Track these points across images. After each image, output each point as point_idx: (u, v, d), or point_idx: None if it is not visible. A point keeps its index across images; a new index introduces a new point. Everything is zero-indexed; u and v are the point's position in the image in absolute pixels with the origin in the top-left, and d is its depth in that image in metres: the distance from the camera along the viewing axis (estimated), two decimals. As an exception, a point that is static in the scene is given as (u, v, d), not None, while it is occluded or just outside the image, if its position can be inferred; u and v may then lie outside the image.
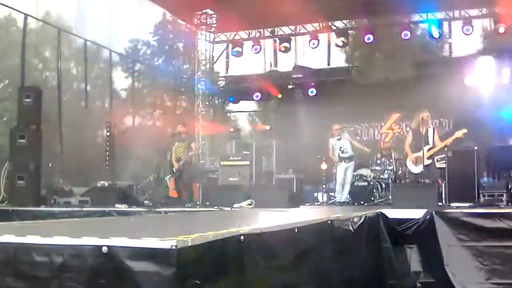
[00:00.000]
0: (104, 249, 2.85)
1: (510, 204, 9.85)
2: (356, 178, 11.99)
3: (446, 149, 10.32)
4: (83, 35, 14.86)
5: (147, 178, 14.55)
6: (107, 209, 9.58)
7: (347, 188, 11.69)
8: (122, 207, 10.04)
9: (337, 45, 16.29)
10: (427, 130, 10.15)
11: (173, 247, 2.76)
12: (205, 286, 3.06)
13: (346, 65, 19.69)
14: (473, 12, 15.31)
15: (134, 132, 16.78)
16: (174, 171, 11.62)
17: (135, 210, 9.70)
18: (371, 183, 11.76)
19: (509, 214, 7.30)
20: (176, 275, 2.76)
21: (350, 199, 11.68)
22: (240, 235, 3.38)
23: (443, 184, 10.67)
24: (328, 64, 16.80)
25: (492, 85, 14.57)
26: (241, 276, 3.48)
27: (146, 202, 11.72)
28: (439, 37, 15.84)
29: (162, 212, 9.09)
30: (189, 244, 2.86)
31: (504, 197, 10.23)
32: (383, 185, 11.82)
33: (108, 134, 13.40)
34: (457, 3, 14.91)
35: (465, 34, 14.95)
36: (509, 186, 11.30)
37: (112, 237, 3.02)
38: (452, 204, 9.51)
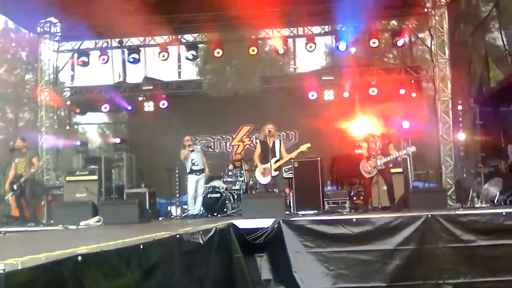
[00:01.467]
0: None
1: (352, 211, 10.52)
2: (209, 190, 12.03)
3: (292, 160, 10.77)
4: None
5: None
6: None
7: (200, 200, 11.65)
8: (-42, 228, 9.16)
9: (187, 58, 16.31)
10: (274, 142, 10.51)
11: (1, 271, 2.53)
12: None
13: (198, 78, 19.84)
14: (316, 29, 16.08)
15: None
16: (15, 188, 10.80)
17: (-28, 230, 8.85)
18: (224, 194, 11.85)
19: (351, 221, 7.74)
20: (4, 301, 2.53)
21: (203, 211, 11.66)
22: (78, 255, 3.18)
23: (291, 194, 11.12)
24: (179, 77, 16.75)
25: (333, 99, 15.50)
26: (81, 298, 3.27)
27: (-16, 222, 10.77)
28: (284, 53, 16.52)
29: (2, 232, 8.38)
30: (19, 267, 2.65)
31: (347, 204, 10.92)
32: (235, 196, 11.99)
33: None
34: (300, 20, 15.59)
35: (308, 51, 15.67)
36: (351, 194, 12.10)
37: None
38: (299, 212, 9.92)
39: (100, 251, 3.52)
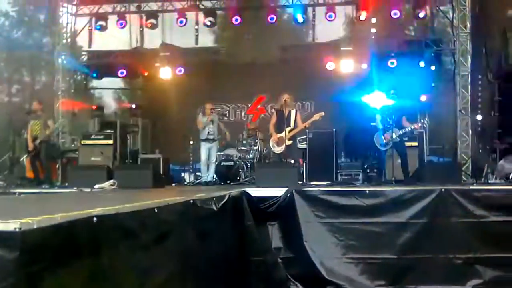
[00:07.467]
0: None
1: (365, 183, 10.53)
2: (223, 158, 12.10)
3: (307, 130, 10.76)
4: None
5: (2, 157, 13.56)
6: (-42, 190, 8.84)
7: (213, 167, 11.74)
8: (-26, 188, 9.33)
9: (205, 25, 16.17)
10: (290, 111, 10.49)
11: (17, 230, 2.60)
12: (56, 270, 2.91)
13: (215, 45, 19.69)
14: (337, -2, 15.86)
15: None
16: (30, 150, 10.92)
17: (-12, 191, 9.01)
18: (237, 162, 11.93)
19: (364, 192, 7.74)
20: (20, 259, 2.63)
21: (216, 178, 11.75)
22: (93, 216, 3.22)
23: (304, 164, 11.14)
24: (196, 44, 16.64)
25: (351, 70, 15.33)
26: (97, 258, 3.34)
27: (0, 183, 10.92)
28: (304, 22, 16.29)
29: (17, 193, 8.50)
30: (34, 227, 2.69)
31: (360, 176, 10.94)
32: (249, 164, 12.05)
33: (-42, 111, 12.34)
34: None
35: (328, 20, 15.46)
36: (365, 166, 12.10)
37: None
38: (311, 183, 9.94)
39: (116, 213, 3.57)
